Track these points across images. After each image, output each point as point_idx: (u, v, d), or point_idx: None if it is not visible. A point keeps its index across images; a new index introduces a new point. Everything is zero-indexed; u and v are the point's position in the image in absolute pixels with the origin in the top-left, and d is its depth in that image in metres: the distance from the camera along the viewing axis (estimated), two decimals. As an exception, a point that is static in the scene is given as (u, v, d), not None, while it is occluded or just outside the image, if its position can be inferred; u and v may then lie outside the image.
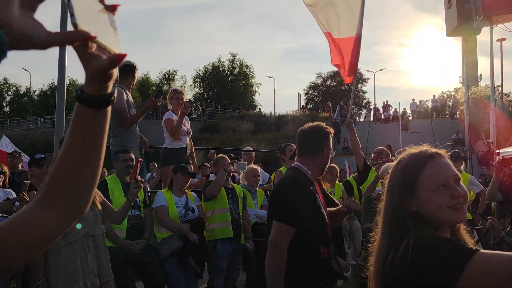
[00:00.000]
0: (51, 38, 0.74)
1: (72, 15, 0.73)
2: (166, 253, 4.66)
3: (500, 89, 24.20)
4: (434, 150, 1.57)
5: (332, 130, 3.07)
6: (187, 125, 6.01)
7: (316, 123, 3.09)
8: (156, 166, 11.98)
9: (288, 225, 2.68)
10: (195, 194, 5.19)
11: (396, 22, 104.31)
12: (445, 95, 44.90)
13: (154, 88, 47.72)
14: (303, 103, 48.95)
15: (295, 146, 5.18)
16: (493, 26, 7.53)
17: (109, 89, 0.90)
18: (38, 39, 0.73)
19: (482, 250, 1.31)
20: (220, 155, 6.05)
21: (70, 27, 0.75)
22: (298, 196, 2.75)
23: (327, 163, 3.04)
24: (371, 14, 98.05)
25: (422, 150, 1.57)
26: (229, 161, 5.53)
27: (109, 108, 0.92)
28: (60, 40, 0.75)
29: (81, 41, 0.77)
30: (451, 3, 8.02)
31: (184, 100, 5.90)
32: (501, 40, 25.16)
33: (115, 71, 0.87)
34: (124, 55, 0.84)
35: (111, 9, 0.86)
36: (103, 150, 0.96)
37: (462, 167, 6.32)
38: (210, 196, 5.16)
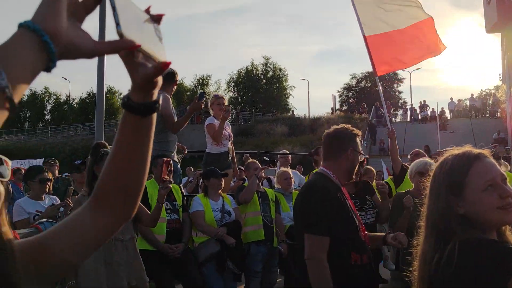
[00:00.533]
0: (98, 48, 0.77)
1: (117, 24, 0.75)
2: (204, 257, 4.71)
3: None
4: (478, 150, 1.53)
5: (359, 132, 2.94)
6: (228, 130, 6.12)
7: (342, 125, 2.97)
8: (193, 170, 12.13)
9: (321, 235, 2.58)
10: (231, 197, 5.23)
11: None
12: (484, 93, 43.68)
13: (188, 93, 48.40)
14: (337, 105, 48.57)
15: None
16: (535, 21, 7.26)
17: (154, 97, 0.92)
18: (86, 49, 0.76)
19: None
20: (251, 160, 6.10)
21: (108, 36, 0.78)
22: (323, 202, 2.63)
23: (354, 167, 2.87)
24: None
25: (467, 151, 1.53)
26: (260, 166, 5.57)
27: (155, 115, 0.95)
28: (106, 49, 0.78)
29: (127, 50, 0.79)
30: (490, -1, 7.84)
31: (225, 105, 5.99)
32: (543, 35, 24.24)
33: (160, 79, 0.89)
34: (169, 64, 0.86)
35: (156, 18, 0.88)
36: (149, 156, 0.99)
37: (503, 168, 6.15)
38: (243, 202, 5.22)
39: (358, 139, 2.88)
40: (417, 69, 66.58)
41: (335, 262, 2.56)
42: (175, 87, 5.67)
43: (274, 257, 5.38)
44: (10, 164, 0.85)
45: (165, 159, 4.06)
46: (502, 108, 29.85)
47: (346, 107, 50.39)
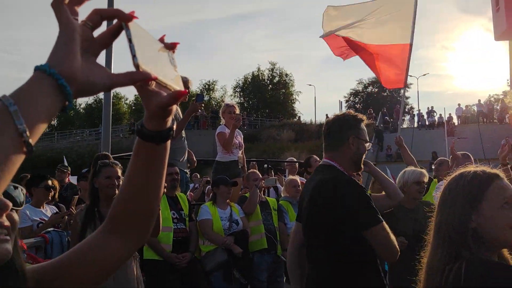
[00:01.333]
0: (115, 81, 0.77)
1: (134, 56, 0.75)
2: (211, 266, 4.68)
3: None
4: (496, 171, 1.57)
5: (363, 117, 2.66)
6: (239, 138, 6.15)
7: (343, 111, 2.75)
8: (199, 177, 12.12)
9: (381, 222, 2.38)
10: (239, 206, 5.21)
11: (439, 25, 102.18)
12: (492, 99, 43.47)
13: (194, 98, 48.46)
14: (344, 110, 48.49)
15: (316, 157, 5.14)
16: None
17: (168, 124, 0.92)
18: (102, 84, 0.76)
19: None
20: (251, 170, 6.08)
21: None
22: (361, 194, 2.45)
23: (360, 157, 2.60)
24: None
25: (486, 169, 1.56)
26: (260, 176, 5.56)
27: (169, 142, 0.95)
28: (124, 81, 0.78)
29: (144, 82, 0.79)
30: (499, 6, 7.71)
31: (236, 113, 5.99)
32: (552, 41, 24.10)
33: (175, 107, 0.89)
34: (185, 92, 0.86)
35: (171, 47, 0.89)
36: (162, 182, 1.00)
37: None
38: (247, 214, 5.22)
39: (362, 125, 2.63)
40: (424, 75, 66.70)
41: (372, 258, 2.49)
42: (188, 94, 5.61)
43: (279, 266, 5.35)
44: (24, 192, 0.88)
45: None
46: (510, 113, 29.70)
47: (352, 113, 50.23)
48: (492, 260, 1.45)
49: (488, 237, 1.46)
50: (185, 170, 5.68)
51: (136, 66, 0.76)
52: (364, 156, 2.65)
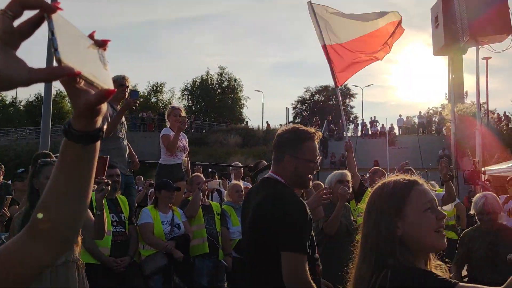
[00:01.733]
0: (34, 75, 0.73)
1: (55, 50, 0.71)
2: (151, 271, 4.60)
3: (485, 106, 24.55)
4: (414, 177, 1.62)
5: (314, 133, 2.51)
6: (184, 141, 6.08)
7: (290, 126, 2.63)
8: (143, 179, 11.90)
9: (300, 252, 2.28)
10: (181, 210, 5.15)
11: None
12: (431, 111, 45.40)
13: (141, 100, 47.65)
14: (291, 117, 49.20)
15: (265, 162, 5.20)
16: (479, 46, 7.68)
17: (98, 124, 0.87)
18: (19, 79, 0.71)
19: (460, 283, 1.34)
20: (195, 174, 6.04)
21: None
22: (301, 217, 2.34)
23: (301, 175, 2.49)
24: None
25: (406, 177, 1.61)
26: (204, 179, 5.52)
27: (98, 144, 0.90)
28: (43, 76, 0.73)
29: (65, 77, 0.74)
30: (438, 23, 8.16)
31: (181, 116, 5.92)
32: (487, 58, 25.56)
33: (104, 106, 0.85)
34: (113, 91, 0.82)
35: (101, 44, 0.85)
36: (90, 188, 0.94)
37: (430, 187, 6.34)
38: (189, 217, 5.15)
39: (306, 144, 2.47)
40: (368, 85, 68.74)
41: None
42: (127, 91, 5.38)
43: (220, 271, 5.33)
44: None
45: (101, 156, 3.58)
46: (447, 126, 31.12)
47: (299, 120, 51.11)
48: (417, 267, 1.47)
49: (414, 243, 1.49)
50: (128, 173, 5.53)
51: (58, 60, 0.71)
52: (309, 176, 2.52)
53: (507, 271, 3.82)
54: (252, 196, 2.65)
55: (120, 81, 5.30)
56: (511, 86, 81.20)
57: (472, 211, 4.27)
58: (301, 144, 2.46)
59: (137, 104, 5.09)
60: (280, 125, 38.40)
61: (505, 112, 33.38)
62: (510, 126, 31.84)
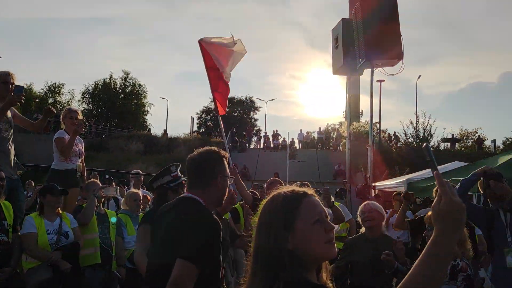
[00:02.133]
0: None
1: None
2: (33, 285, 4.26)
3: (378, 126, 26.33)
4: (304, 189, 1.61)
5: (226, 154, 2.68)
6: (80, 146, 5.76)
7: (207, 147, 2.68)
8: (33, 184, 11.13)
9: (192, 262, 2.26)
10: (71, 216, 4.83)
11: (288, 55, 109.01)
12: (330, 127, 47.70)
13: (37, 100, 44.87)
14: (195, 127, 48.98)
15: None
16: (374, 69, 8.23)
17: None
18: None
19: None
20: (91, 180, 5.78)
21: None
22: (212, 238, 2.34)
23: (225, 193, 2.62)
24: (264, 44, 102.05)
25: (295, 189, 1.60)
26: (100, 185, 5.31)
27: None
28: None
29: None
30: (338, 44, 8.70)
31: (78, 118, 5.65)
32: (381, 81, 27.34)
33: None
34: None
35: None
36: None
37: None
38: (82, 224, 4.89)
39: (225, 161, 2.63)
40: (273, 99, 70.65)
41: None
42: (12, 87, 5.03)
43: (113, 282, 5.12)
44: None
45: None
46: (343, 142, 32.84)
47: (203, 130, 51.05)
48: (308, 280, 1.48)
49: (305, 256, 1.49)
50: (15, 176, 5.14)
51: None
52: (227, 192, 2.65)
53: (387, 279, 4.10)
54: (164, 214, 2.59)
55: (3, 78, 4.98)
56: (401, 108, 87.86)
57: (358, 218, 4.56)
58: (223, 161, 2.61)
59: (22, 100, 4.82)
60: (184, 134, 38.15)
61: (394, 132, 36.11)
62: (398, 145, 34.41)
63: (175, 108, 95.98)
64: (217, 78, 6.95)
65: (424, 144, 1.50)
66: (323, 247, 1.50)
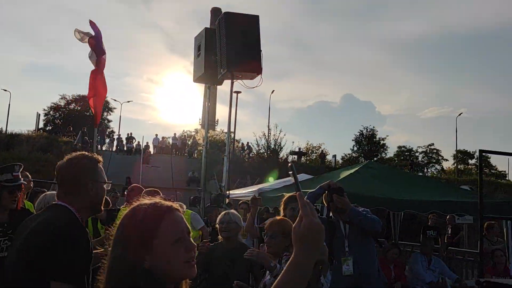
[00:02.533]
0: None
1: None
2: None
3: (232, 135, 27.13)
4: (169, 203, 1.54)
5: (100, 159, 2.56)
6: None
7: (76, 153, 2.57)
8: None
9: (69, 283, 2.10)
10: None
11: (147, 58, 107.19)
12: (186, 134, 47.76)
13: None
14: (41, 123, 45.28)
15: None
16: (234, 80, 8.45)
17: None
18: None
19: None
20: None
21: None
22: (77, 250, 2.17)
23: (100, 199, 2.52)
24: (122, 43, 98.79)
25: (158, 202, 1.52)
26: None
27: None
28: None
29: None
30: (200, 52, 8.75)
31: None
32: (237, 92, 28.22)
33: None
34: None
35: None
36: None
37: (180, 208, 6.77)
38: None
39: (99, 166, 2.53)
40: (128, 101, 68.63)
41: None
42: None
43: None
44: None
45: None
46: (199, 150, 33.14)
47: (51, 128, 47.47)
48: None
49: (162, 275, 1.44)
50: None
51: None
52: (104, 197, 2.56)
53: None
54: (29, 221, 2.39)
55: None
56: (255, 119, 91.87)
57: (217, 225, 4.69)
58: (97, 167, 2.51)
59: None
60: (28, 131, 34.98)
61: (248, 142, 37.55)
62: (251, 155, 35.84)
63: (18, 101, 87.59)
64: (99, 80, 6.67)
65: (289, 165, 1.54)
66: (182, 267, 1.46)
